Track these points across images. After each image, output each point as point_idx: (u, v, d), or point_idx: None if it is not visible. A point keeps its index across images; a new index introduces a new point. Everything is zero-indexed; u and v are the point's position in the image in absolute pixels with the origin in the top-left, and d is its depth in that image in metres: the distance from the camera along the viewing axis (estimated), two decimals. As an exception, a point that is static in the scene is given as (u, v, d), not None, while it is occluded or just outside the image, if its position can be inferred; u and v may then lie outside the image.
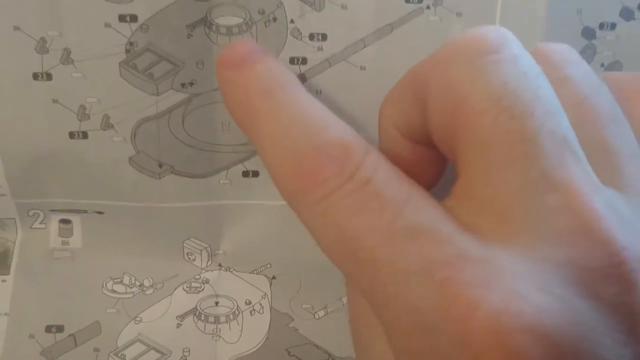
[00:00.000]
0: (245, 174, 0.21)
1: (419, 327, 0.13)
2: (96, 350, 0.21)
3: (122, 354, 0.21)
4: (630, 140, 0.15)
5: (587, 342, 0.12)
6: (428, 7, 0.19)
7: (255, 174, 0.21)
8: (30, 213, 0.21)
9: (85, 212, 0.21)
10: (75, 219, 0.22)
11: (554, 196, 0.13)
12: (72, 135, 0.20)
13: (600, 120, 0.15)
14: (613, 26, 0.20)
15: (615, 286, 0.12)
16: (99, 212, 0.21)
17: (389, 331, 0.14)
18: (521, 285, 0.12)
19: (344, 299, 0.22)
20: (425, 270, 0.13)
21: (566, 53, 0.16)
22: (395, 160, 0.16)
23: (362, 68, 0.20)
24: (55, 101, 0.19)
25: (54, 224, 0.22)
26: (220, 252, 0.22)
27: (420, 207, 0.14)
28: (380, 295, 0.13)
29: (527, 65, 0.14)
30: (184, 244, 0.22)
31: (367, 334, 0.16)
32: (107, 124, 0.20)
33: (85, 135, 0.20)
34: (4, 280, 0.21)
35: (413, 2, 0.19)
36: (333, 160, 0.14)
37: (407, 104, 0.16)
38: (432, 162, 0.17)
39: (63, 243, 0.22)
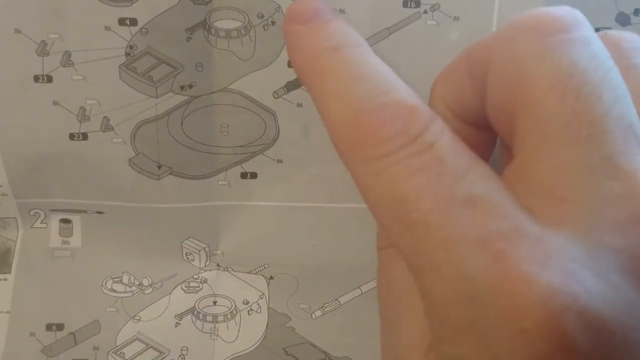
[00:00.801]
0: (244, 175, 0.21)
1: (464, 297, 0.12)
2: (96, 348, 0.21)
3: (121, 352, 0.21)
4: None
5: (637, 333, 0.12)
6: (425, 12, 0.19)
7: (254, 175, 0.21)
8: (32, 212, 0.22)
9: (85, 212, 0.22)
10: (76, 218, 0.22)
11: (617, 183, 0.13)
12: (72, 136, 0.20)
13: None
14: (609, 31, 0.20)
15: None
16: (99, 212, 0.22)
17: (429, 299, 0.13)
18: (577, 268, 0.12)
19: (341, 299, 0.22)
20: (480, 240, 0.12)
21: (636, 41, 0.16)
22: None
23: None
24: (55, 103, 0.20)
25: (54, 224, 0.22)
26: (219, 252, 0.22)
27: (480, 178, 0.14)
28: (427, 260, 0.13)
29: (597, 48, 0.14)
30: (183, 244, 0.22)
31: (397, 306, 0.16)
32: (107, 126, 0.20)
33: (85, 136, 0.20)
34: (5, 279, 0.22)
35: (410, 7, 0.19)
36: (399, 119, 0.14)
37: (462, 81, 0.16)
38: (481, 145, 0.16)
39: (63, 242, 0.22)
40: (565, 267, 0.12)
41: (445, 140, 0.14)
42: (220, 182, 0.21)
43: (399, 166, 0.14)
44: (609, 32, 0.16)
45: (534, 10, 0.14)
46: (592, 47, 0.14)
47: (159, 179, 0.21)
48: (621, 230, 0.12)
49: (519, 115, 0.14)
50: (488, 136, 0.16)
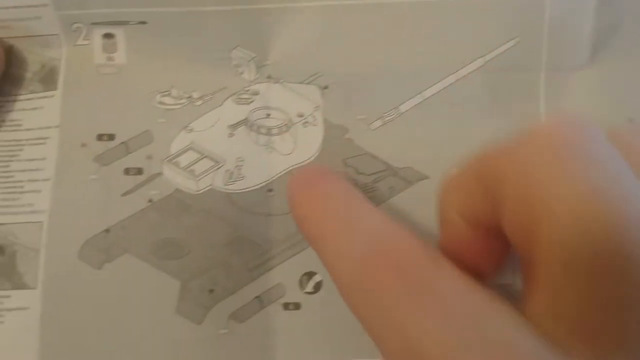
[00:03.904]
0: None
1: None
2: (149, 157, 0.20)
3: (175, 161, 0.21)
4: None
5: None
6: None
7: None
8: (74, 27, 0.21)
9: (128, 23, 0.21)
10: (119, 31, 0.21)
11: None
12: None
13: None
14: None
15: None
16: (142, 22, 0.21)
17: None
18: None
19: (401, 107, 0.21)
20: None
21: None
22: (458, 248, 0.15)
23: None
24: None
25: (97, 40, 0.21)
26: (269, 62, 0.21)
27: (500, 319, 0.13)
28: None
29: (614, 162, 0.13)
30: (231, 54, 0.21)
31: None
32: None
33: None
34: (52, 96, 0.21)
35: None
36: (395, 265, 0.14)
37: (474, 194, 0.15)
38: (496, 250, 0.16)
39: (108, 59, 0.21)
40: None
41: (450, 281, 0.14)
42: None
43: (406, 312, 0.13)
44: (618, 130, 0.15)
45: (544, 123, 0.14)
46: (609, 162, 0.13)
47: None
48: None
49: (540, 240, 0.13)
50: (501, 242, 0.15)
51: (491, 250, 0.16)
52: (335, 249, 0.15)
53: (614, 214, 0.12)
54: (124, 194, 0.20)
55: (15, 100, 0.21)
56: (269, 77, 0.21)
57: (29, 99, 0.21)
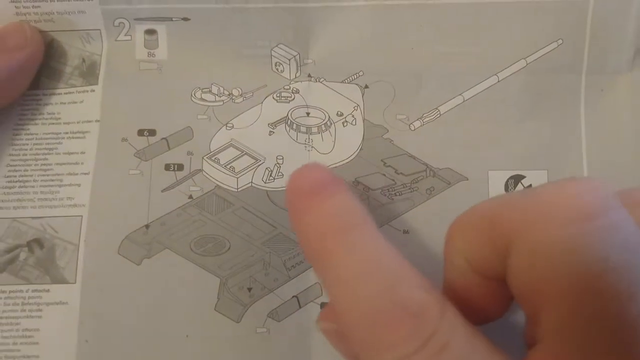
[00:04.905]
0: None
1: None
2: (190, 153, 0.20)
3: (216, 158, 0.20)
4: None
5: None
6: None
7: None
8: (116, 23, 0.21)
9: (171, 19, 0.21)
10: (161, 28, 0.21)
11: None
12: None
13: None
14: None
15: None
16: (185, 19, 0.21)
17: None
18: None
19: (441, 108, 0.21)
20: None
21: None
22: (463, 291, 0.15)
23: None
24: None
25: (139, 36, 0.21)
26: (310, 61, 0.21)
27: None
28: None
29: (628, 233, 0.13)
30: (272, 52, 0.21)
31: None
32: None
33: None
34: (93, 90, 0.21)
35: None
36: (410, 320, 0.13)
37: (482, 243, 0.15)
38: (500, 296, 0.16)
39: (149, 55, 0.21)
40: None
41: (458, 339, 0.13)
42: None
43: None
44: (634, 191, 0.15)
45: (561, 187, 0.13)
46: (622, 235, 0.13)
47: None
48: None
49: (546, 307, 0.13)
50: (507, 289, 0.15)
51: (496, 296, 0.16)
52: (344, 286, 0.14)
53: (626, 287, 0.12)
54: (164, 190, 0.20)
55: (53, 94, 0.21)
56: (309, 75, 0.21)
57: (68, 93, 0.21)
